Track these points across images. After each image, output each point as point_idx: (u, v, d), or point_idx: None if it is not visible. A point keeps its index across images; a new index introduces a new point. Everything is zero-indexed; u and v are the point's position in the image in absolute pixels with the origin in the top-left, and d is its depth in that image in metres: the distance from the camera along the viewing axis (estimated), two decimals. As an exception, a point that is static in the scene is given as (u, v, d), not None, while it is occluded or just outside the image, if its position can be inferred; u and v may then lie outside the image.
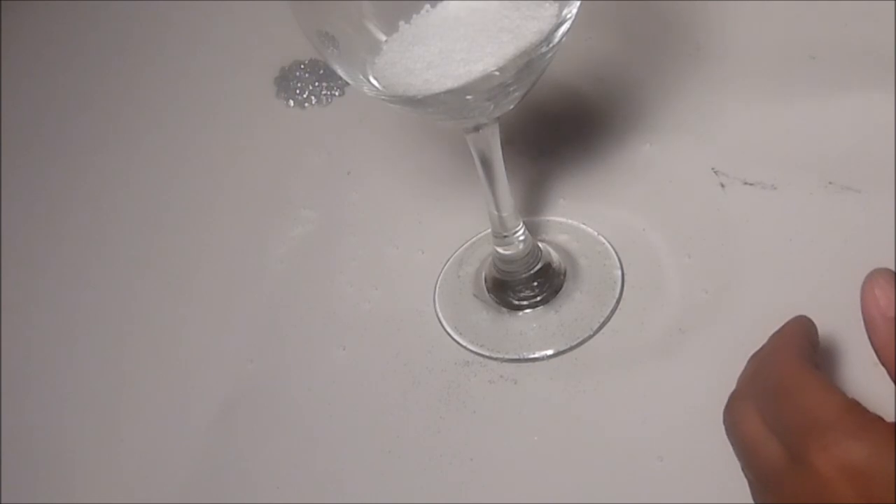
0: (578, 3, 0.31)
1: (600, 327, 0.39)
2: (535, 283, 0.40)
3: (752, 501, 0.28)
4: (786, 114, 0.45)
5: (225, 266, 0.49)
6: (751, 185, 0.42)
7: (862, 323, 0.35)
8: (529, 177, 0.46)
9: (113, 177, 0.58)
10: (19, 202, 0.59)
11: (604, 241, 0.42)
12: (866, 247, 0.37)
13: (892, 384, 0.32)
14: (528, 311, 0.40)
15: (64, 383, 0.46)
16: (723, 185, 0.43)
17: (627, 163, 0.46)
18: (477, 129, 0.34)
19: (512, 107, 0.33)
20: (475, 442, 0.37)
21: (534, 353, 0.39)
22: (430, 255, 0.44)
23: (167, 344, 0.45)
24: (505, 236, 0.39)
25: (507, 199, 0.38)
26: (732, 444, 0.29)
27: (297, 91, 0.58)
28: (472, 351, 0.40)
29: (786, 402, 0.27)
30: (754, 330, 0.37)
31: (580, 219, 0.43)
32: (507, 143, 0.36)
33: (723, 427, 0.33)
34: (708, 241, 0.41)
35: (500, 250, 0.40)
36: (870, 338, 0.28)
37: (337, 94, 0.58)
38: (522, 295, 0.40)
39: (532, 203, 0.45)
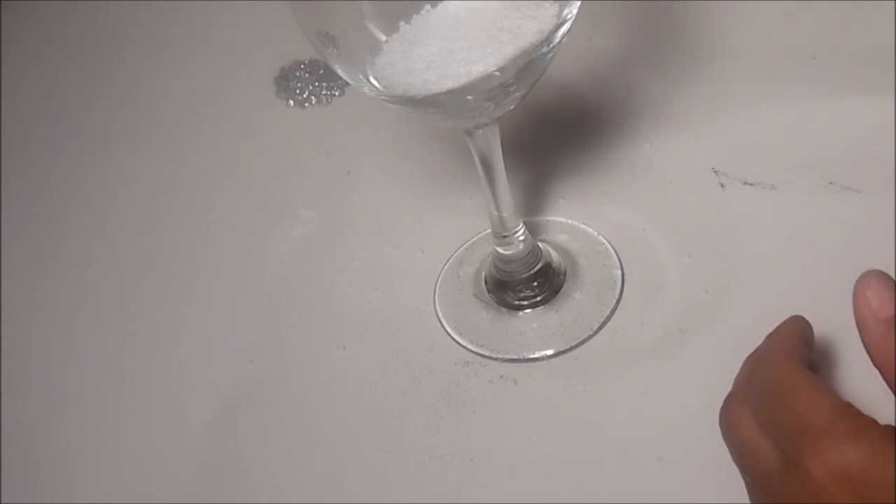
0: (578, 3, 0.31)
1: (600, 327, 0.39)
2: (535, 283, 0.40)
3: (750, 502, 0.28)
4: (786, 114, 0.45)
5: (225, 266, 0.49)
6: (751, 185, 0.42)
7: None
8: (529, 177, 0.46)
9: (113, 177, 0.58)
10: (19, 202, 0.59)
11: (604, 241, 0.42)
12: (866, 247, 0.37)
13: (888, 386, 0.32)
14: (528, 311, 0.40)
15: (64, 383, 0.46)
16: (723, 185, 0.43)
17: (627, 163, 0.46)
18: (477, 129, 0.34)
19: (512, 107, 0.33)
20: (475, 442, 0.37)
21: (534, 353, 0.39)
22: (430, 255, 0.44)
23: (167, 344, 0.45)
24: (505, 236, 0.39)
25: (507, 199, 0.38)
26: (728, 447, 0.29)
27: (297, 91, 0.58)
28: (472, 351, 0.40)
29: (779, 405, 0.27)
30: (754, 330, 0.37)
31: (580, 219, 0.43)
32: (507, 143, 0.36)
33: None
34: (708, 241, 0.41)
35: (500, 250, 0.40)
36: (862, 340, 0.28)
37: (337, 94, 0.58)
38: (522, 295, 0.40)
39: (532, 203, 0.45)
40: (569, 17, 0.31)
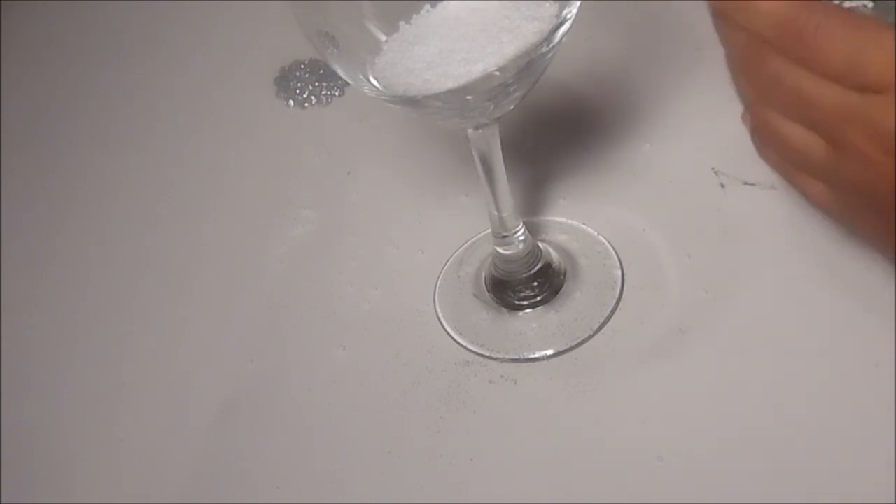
0: (578, 3, 0.31)
1: (600, 327, 0.39)
2: (535, 283, 0.40)
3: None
4: (786, 114, 0.45)
5: (225, 266, 0.49)
6: (751, 185, 0.42)
7: (861, 323, 0.35)
8: (529, 177, 0.46)
9: (113, 177, 0.58)
10: (19, 202, 0.59)
11: (604, 241, 0.42)
12: (866, 246, 0.37)
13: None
14: (528, 311, 0.40)
15: (64, 383, 0.46)
16: (723, 185, 0.43)
17: (627, 163, 0.46)
18: (477, 129, 0.34)
19: (512, 107, 0.33)
20: (475, 442, 0.37)
21: (534, 353, 0.39)
22: (430, 255, 0.44)
23: (167, 344, 0.46)
24: (505, 236, 0.39)
25: (507, 199, 0.38)
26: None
27: (297, 91, 0.58)
28: (472, 351, 0.40)
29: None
30: (754, 330, 0.37)
31: (580, 219, 0.43)
32: (507, 143, 0.36)
33: (722, 426, 0.33)
34: (708, 241, 0.41)
35: (500, 250, 0.40)
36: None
37: (337, 94, 0.58)
38: (522, 295, 0.40)
39: (532, 203, 0.45)
40: (569, 17, 0.31)
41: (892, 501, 0.30)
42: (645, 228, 0.42)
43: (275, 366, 0.42)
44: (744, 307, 0.37)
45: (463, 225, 0.45)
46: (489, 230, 0.40)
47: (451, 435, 0.37)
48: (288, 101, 0.58)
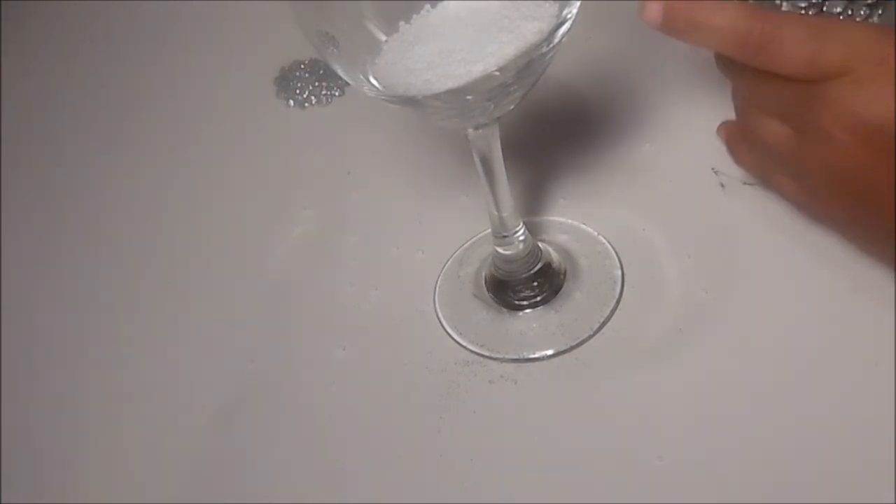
0: (578, 3, 0.31)
1: (600, 327, 0.39)
2: (535, 283, 0.40)
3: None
4: (786, 114, 0.45)
5: (225, 266, 0.49)
6: (751, 185, 0.42)
7: (861, 323, 0.35)
8: (529, 177, 0.46)
9: (113, 177, 0.58)
10: (20, 202, 0.59)
11: (604, 241, 0.42)
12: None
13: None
14: (528, 311, 0.40)
15: (64, 383, 0.46)
16: (723, 185, 0.43)
17: (627, 163, 0.46)
18: (477, 129, 0.34)
19: (512, 107, 0.33)
20: (475, 442, 0.37)
21: (534, 353, 0.39)
22: (430, 255, 0.44)
23: (167, 344, 0.46)
24: (505, 236, 0.39)
25: (507, 199, 0.38)
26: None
27: (297, 91, 0.58)
28: (472, 351, 0.40)
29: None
30: (754, 330, 0.37)
31: (580, 219, 0.43)
32: (507, 143, 0.36)
33: (722, 426, 0.33)
34: (708, 241, 0.41)
35: (500, 250, 0.40)
36: None
37: (337, 94, 0.58)
38: (522, 295, 0.40)
39: (532, 203, 0.45)
40: (569, 17, 0.31)
41: (892, 501, 0.30)
42: (645, 228, 0.42)
43: (275, 366, 0.42)
44: (744, 307, 0.37)
45: (463, 225, 0.45)
46: (489, 230, 0.40)
47: (451, 435, 0.37)
48: (288, 101, 0.58)
